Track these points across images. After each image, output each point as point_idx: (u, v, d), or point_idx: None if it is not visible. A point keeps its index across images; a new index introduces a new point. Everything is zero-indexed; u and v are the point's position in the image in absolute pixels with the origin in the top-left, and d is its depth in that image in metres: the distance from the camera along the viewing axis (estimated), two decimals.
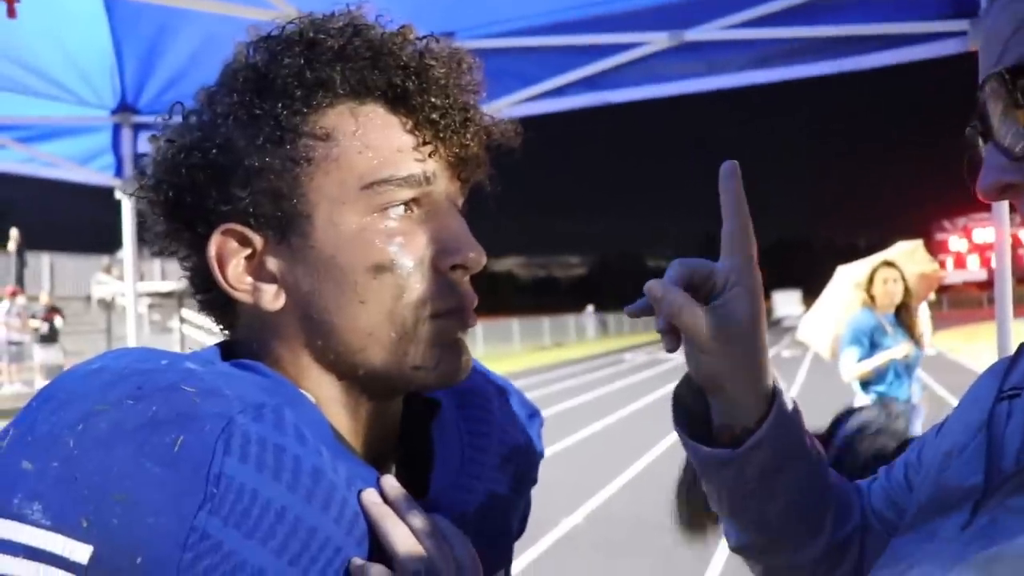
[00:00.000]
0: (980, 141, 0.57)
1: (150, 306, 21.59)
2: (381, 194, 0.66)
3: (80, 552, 0.52)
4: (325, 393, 0.69)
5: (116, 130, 3.33)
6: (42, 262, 22.63)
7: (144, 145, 3.30)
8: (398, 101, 0.68)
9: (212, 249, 0.67)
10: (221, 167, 0.66)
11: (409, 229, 0.68)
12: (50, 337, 16.33)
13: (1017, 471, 0.54)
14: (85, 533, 0.53)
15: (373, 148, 0.66)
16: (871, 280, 4.81)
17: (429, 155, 0.68)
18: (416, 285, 0.67)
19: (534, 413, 0.88)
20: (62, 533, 0.52)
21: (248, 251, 0.67)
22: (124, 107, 3.23)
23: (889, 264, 4.84)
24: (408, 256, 0.67)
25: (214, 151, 0.66)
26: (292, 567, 0.57)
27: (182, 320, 19.28)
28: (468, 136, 0.70)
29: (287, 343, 0.69)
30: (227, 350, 0.72)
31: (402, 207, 0.68)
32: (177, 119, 0.71)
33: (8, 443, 0.56)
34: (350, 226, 0.66)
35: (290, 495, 0.58)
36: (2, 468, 0.54)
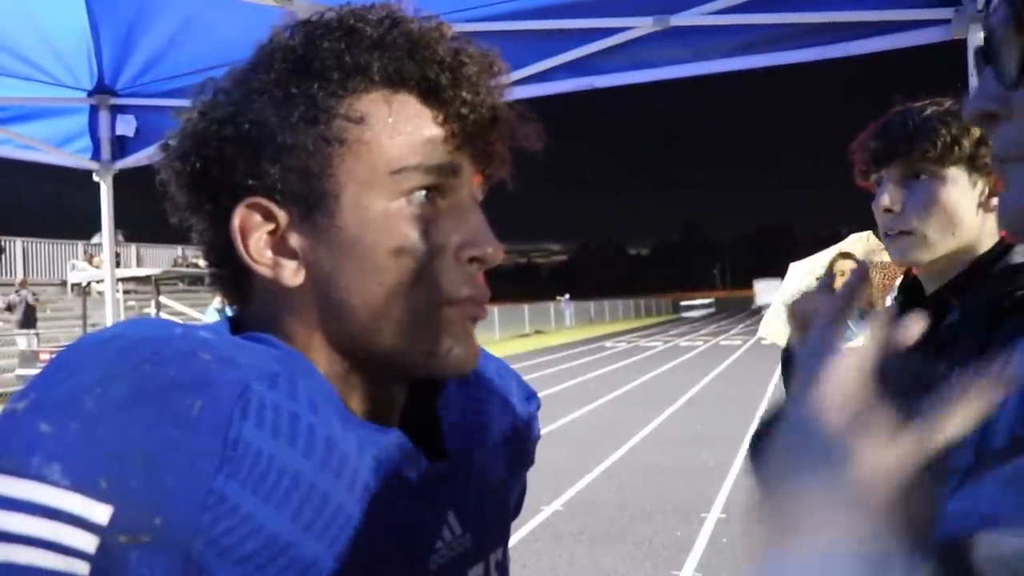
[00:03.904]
0: (983, 64, 0.54)
1: (126, 292, 21.38)
2: (408, 180, 0.67)
3: (100, 512, 0.53)
4: (335, 371, 0.70)
5: (93, 112, 3.28)
6: (16, 247, 22.33)
7: (122, 127, 3.27)
8: (431, 94, 0.69)
9: (236, 221, 0.67)
10: (253, 141, 0.66)
11: (432, 218, 0.69)
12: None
13: (1001, 449, 0.55)
14: (105, 494, 0.53)
15: (404, 135, 0.68)
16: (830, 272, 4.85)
17: (456, 148, 0.69)
18: (434, 273, 0.68)
19: (532, 396, 0.91)
20: (82, 493, 0.53)
21: (271, 226, 0.68)
22: (102, 89, 3.18)
23: (846, 255, 4.88)
24: (429, 244, 0.68)
25: (247, 125, 0.66)
26: (305, 532, 0.59)
27: (159, 306, 19.12)
28: (494, 134, 0.71)
29: (301, 321, 0.69)
30: (235, 326, 0.73)
31: (427, 196, 0.69)
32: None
33: (26, 405, 0.56)
34: (376, 209, 0.67)
35: (305, 461, 0.59)
36: (21, 430, 0.55)
